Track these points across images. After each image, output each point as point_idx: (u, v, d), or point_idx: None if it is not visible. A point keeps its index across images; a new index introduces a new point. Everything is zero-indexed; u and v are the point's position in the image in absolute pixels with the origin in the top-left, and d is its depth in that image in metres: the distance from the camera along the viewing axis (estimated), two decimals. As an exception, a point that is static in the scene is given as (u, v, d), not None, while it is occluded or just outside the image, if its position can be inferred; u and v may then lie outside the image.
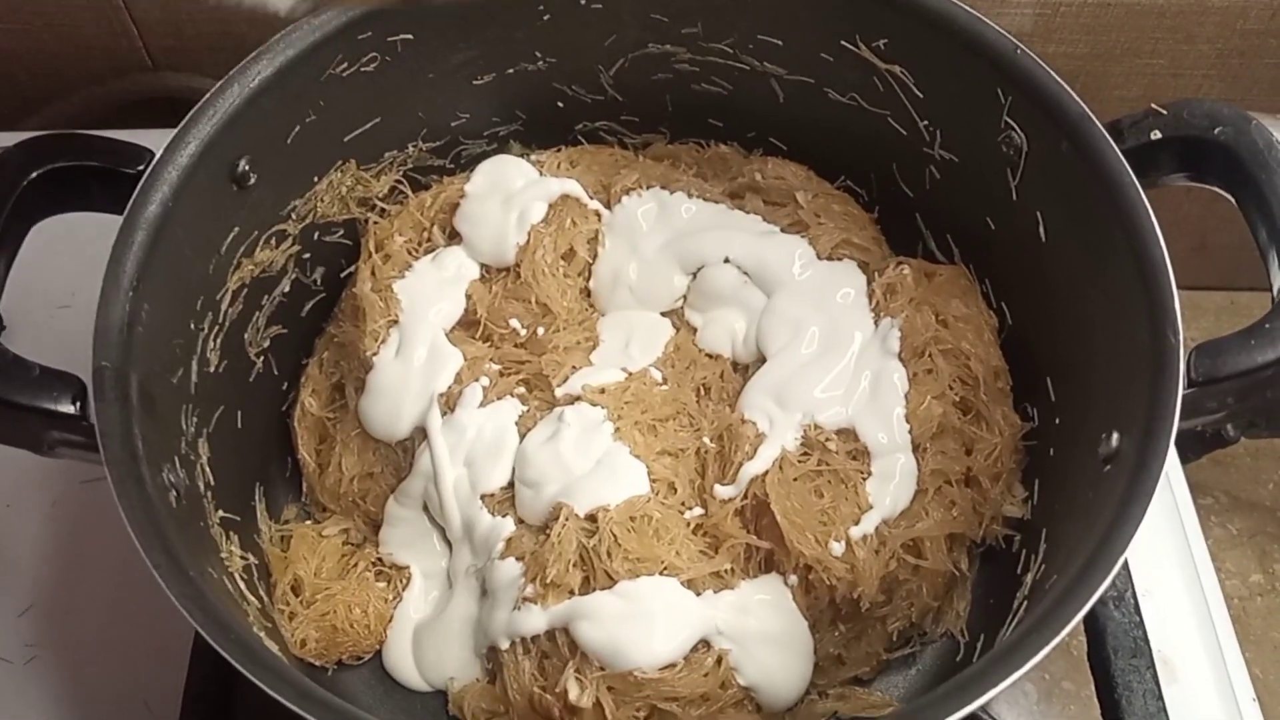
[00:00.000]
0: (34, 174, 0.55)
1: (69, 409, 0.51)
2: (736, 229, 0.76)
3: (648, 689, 0.60)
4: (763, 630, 0.64)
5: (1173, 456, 0.80)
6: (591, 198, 0.77)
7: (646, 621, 0.61)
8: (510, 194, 0.76)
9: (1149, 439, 0.49)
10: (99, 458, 0.51)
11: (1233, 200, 0.57)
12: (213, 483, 0.61)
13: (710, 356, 0.74)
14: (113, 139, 0.58)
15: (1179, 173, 0.59)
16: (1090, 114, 0.58)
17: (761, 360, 0.72)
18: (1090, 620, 0.72)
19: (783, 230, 0.76)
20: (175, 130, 0.59)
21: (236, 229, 0.64)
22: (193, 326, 0.61)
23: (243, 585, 0.60)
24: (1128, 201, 0.55)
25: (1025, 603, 0.60)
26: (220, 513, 0.61)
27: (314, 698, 0.44)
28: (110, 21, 0.99)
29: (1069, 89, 0.60)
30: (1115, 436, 0.53)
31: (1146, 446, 0.49)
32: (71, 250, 0.72)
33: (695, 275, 0.75)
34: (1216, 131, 0.56)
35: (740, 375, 0.73)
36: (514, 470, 0.68)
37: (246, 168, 0.63)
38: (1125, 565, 0.74)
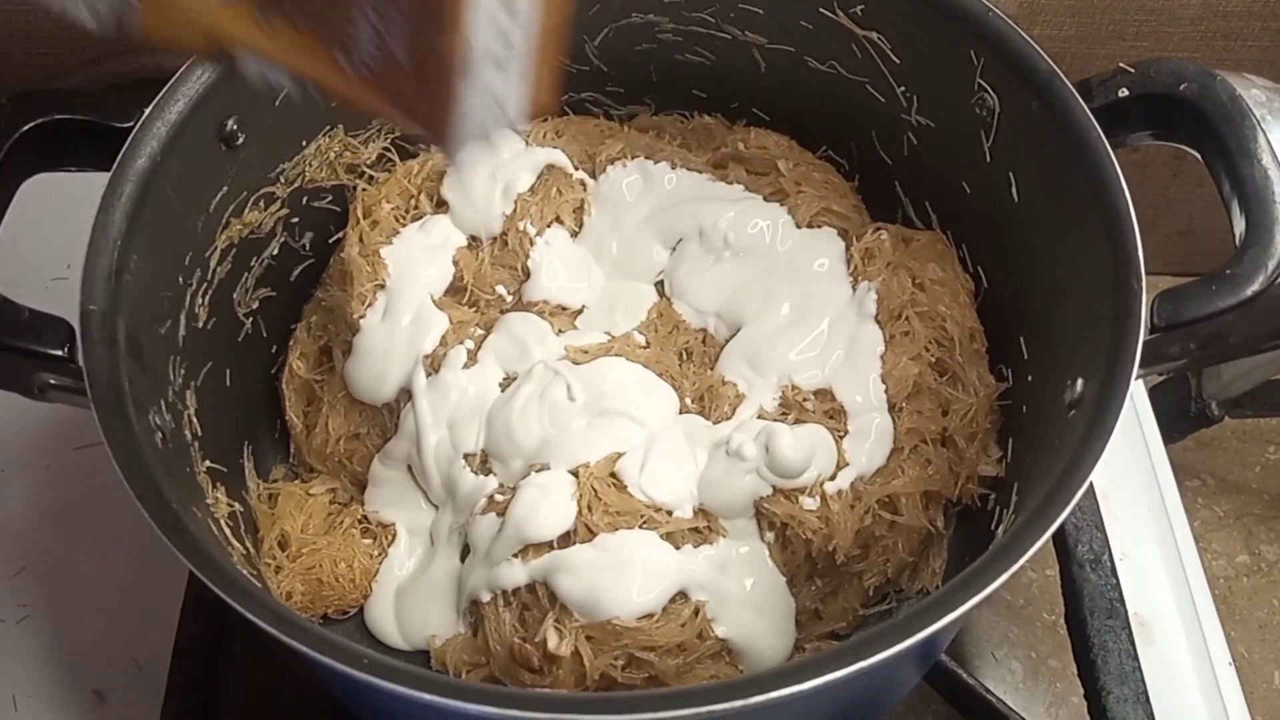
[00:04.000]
0: (25, 128, 0.56)
1: (58, 351, 0.52)
2: (716, 199, 0.77)
3: (625, 638, 0.61)
4: (740, 583, 0.65)
5: (1151, 420, 0.82)
6: (577, 168, 0.79)
7: (625, 572, 0.62)
8: (496, 166, 0.77)
9: (1110, 380, 0.50)
10: (87, 401, 0.52)
11: (1198, 156, 0.58)
12: (200, 434, 0.62)
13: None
14: (103, 96, 0.59)
15: (1146, 130, 0.60)
16: (1059, 72, 0.60)
17: (738, 328, 0.73)
18: (1067, 582, 0.74)
19: (765, 199, 0.77)
20: (164, 87, 0.60)
21: (225, 188, 0.65)
22: (181, 281, 0.62)
23: (228, 531, 0.61)
24: (1094, 154, 0.56)
25: (996, 552, 0.61)
26: (207, 463, 0.62)
27: (299, 625, 0.45)
28: (107, 2, 1.01)
29: (1039, 49, 0.61)
30: (1080, 382, 0.54)
31: (1107, 387, 0.50)
32: (67, 221, 0.73)
33: (675, 248, 0.77)
34: (1182, 88, 0.57)
35: (722, 341, 0.74)
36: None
37: (235, 128, 0.64)
38: (1102, 529, 0.75)
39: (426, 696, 0.43)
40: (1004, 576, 0.45)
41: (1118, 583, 0.73)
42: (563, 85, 0.40)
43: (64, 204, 0.70)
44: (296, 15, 0.38)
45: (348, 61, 0.37)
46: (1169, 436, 0.85)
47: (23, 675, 0.72)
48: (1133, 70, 0.60)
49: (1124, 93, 0.59)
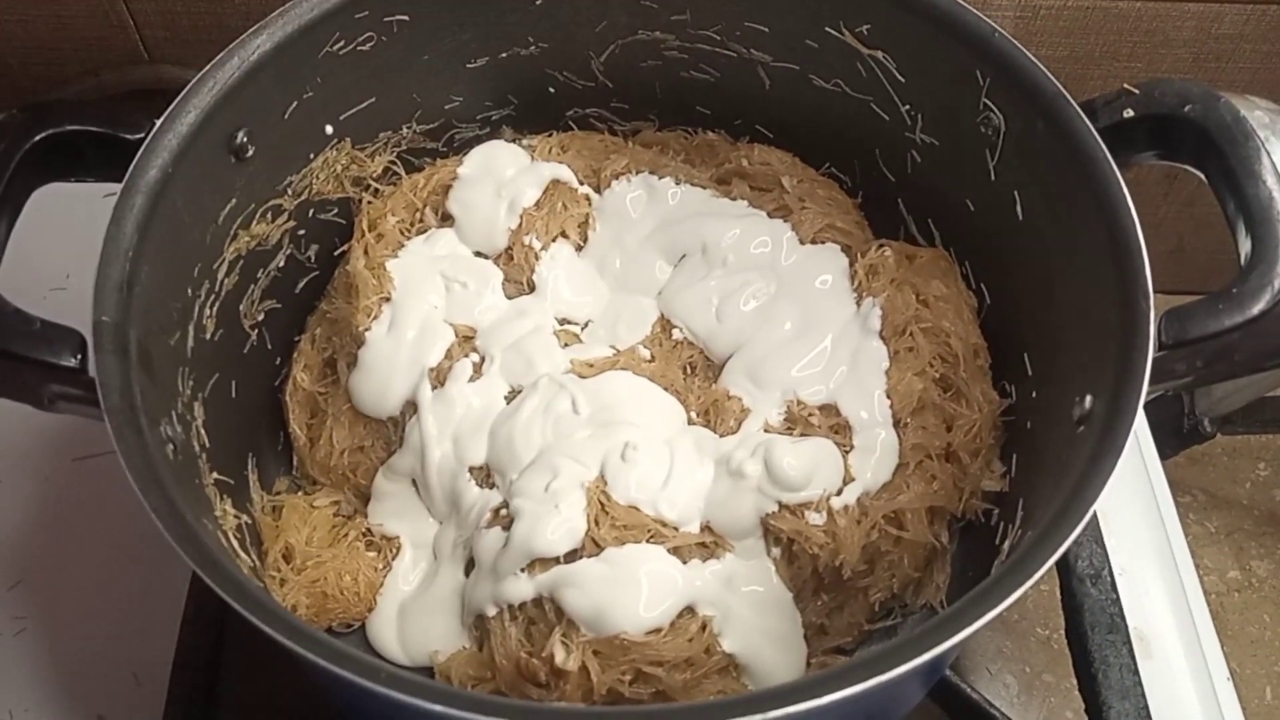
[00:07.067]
0: (37, 137, 0.56)
1: (69, 362, 0.52)
2: (720, 215, 0.77)
3: (633, 653, 0.61)
4: (747, 598, 0.65)
5: (1148, 437, 0.83)
6: (581, 183, 0.79)
7: (632, 587, 0.62)
8: (502, 182, 0.77)
9: (1119, 397, 0.51)
10: (98, 412, 0.51)
11: (1202, 176, 0.59)
12: (208, 445, 0.62)
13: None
14: (114, 107, 0.59)
15: (1150, 150, 0.60)
16: (1065, 93, 0.60)
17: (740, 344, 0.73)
18: (1068, 597, 0.74)
19: (768, 215, 0.77)
20: (176, 99, 0.60)
21: (234, 200, 0.65)
22: (190, 293, 0.62)
23: (235, 544, 0.60)
24: (1101, 175, 0.57)
25: (1002, 568, 0.61)
26: (215, 475, 0.62)
27: (306, 633, 0.45)
28: (106, 13, 1.00)
29: (1045, 69, 0.61)
30: (1088, 399, 0.54)
31: (1117, 404, 0.51)
32: (67, 232, 0.74)
33: (678, 264, 0.77)
34: (1187, 109, 0.58)
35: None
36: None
37: (244, 140, 0.64)
38: (1102, 544, 0.76)
39: (443, 709, 0.43)
40: (1017, 593, 0.45)
41: (1118, 597, 0.73)
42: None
43: (62, 214, 0.70)
44: None
45: None
46: (1161, 453, 0.85)
47: (20, 690, 0.72)
48: (1137, 91, 0.60)
49: (1129, 113, 0.60)
